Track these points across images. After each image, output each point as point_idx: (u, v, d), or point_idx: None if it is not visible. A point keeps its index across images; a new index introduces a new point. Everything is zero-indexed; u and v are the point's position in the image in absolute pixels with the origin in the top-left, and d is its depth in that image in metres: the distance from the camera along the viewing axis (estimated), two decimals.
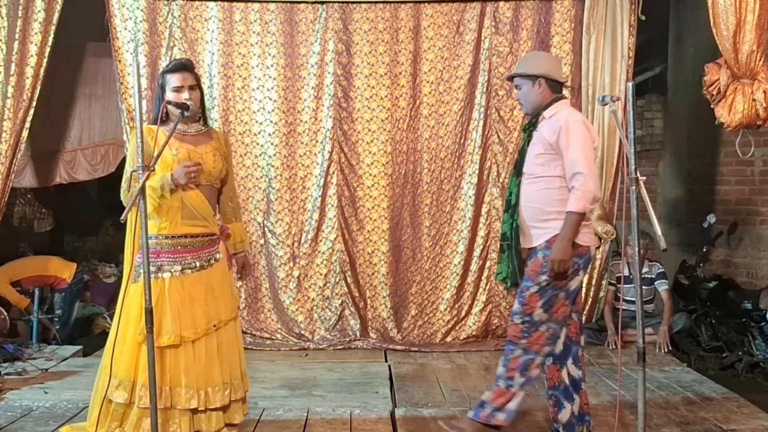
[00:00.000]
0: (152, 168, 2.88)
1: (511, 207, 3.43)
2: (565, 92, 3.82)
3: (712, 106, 4.57)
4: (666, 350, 5.27)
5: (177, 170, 3.05)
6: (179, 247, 3.15)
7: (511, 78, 3.51)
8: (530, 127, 3.43)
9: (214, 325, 3.19)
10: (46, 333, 5.57)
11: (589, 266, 3.26)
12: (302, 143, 5.55)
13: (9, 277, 5.44)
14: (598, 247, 5.62)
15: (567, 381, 3.38)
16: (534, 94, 3.38)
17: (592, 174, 3.16)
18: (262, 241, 5.57)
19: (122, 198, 3.15)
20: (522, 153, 3.44)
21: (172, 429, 3.11)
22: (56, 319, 5.57)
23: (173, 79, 3.19)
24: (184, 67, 3.24)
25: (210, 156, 3.23)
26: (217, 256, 3.27)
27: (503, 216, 3.59)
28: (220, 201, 3.43)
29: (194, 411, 3.15)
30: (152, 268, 2.99)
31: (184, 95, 3.16)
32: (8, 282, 5.42)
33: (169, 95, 3.17)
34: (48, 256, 5.90)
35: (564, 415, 3.37)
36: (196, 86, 3.24)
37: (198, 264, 3.18)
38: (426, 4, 5.48)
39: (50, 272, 5.60)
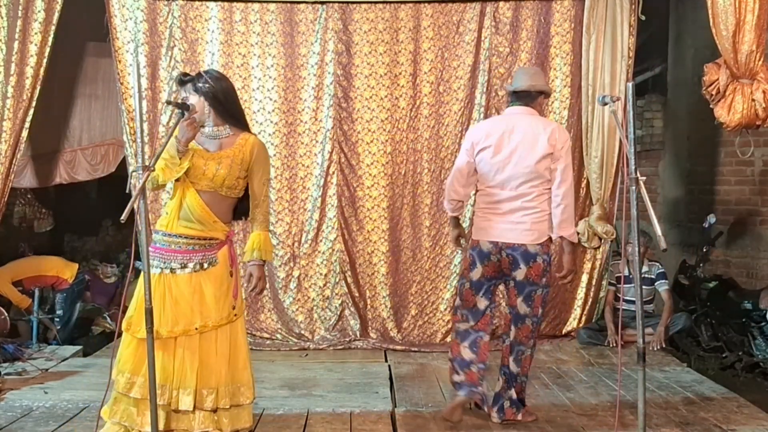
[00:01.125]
0: (152, 167, 2.88)
1: None
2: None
3: (711, 106, 4.57)
4: (658, 348, 5.26)
5: (179, 130, 3.07)
6: (173, 246, 3.16)
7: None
8: None
9: (196, 328, 3.15)
10: (47, 333, 5.57)
11: (486, 260, 3.69)
12: (302, 143, 5.55)
13: (11, 277, 5.44)
14: (598, 247, 5.63)
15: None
16: None
17: (449, 181, 3.87)
18: None
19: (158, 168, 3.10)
20: None
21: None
22: (57, 320, 5.57)
23: None
24: (178, 82, 3.28)
25: (213, 163, 3.17)
26: (214, 260, 3.24)
27: None
28: (249, 210, 3.36)
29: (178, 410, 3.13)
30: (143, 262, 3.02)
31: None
32: (10, 282, 5.41)
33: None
34: (49, 256, 5.90)
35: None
36: (188, 96, 3.20)
37: (190, 266, 3.17)
38: (426, 4, 5.48)
39: (51, 272, 5.60)
